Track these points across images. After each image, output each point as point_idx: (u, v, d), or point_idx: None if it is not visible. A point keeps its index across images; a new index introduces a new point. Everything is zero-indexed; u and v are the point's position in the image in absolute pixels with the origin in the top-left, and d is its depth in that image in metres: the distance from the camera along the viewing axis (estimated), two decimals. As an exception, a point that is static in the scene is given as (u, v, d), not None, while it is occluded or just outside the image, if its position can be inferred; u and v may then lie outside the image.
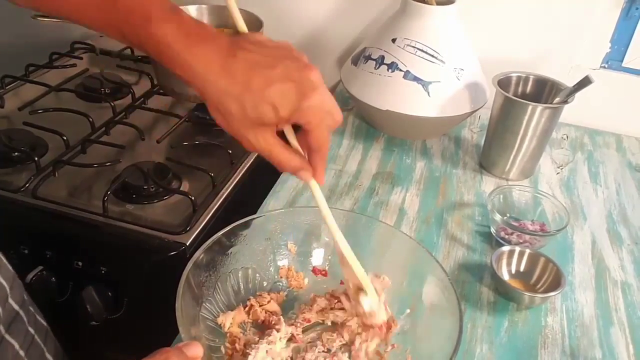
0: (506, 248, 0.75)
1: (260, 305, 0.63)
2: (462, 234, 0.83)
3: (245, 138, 0.50)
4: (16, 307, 0.68)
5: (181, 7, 0.48)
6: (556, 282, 0.71)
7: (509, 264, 0.75)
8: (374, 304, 0.57)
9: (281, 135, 0.53)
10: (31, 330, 0.70)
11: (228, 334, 0.60)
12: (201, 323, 0.58)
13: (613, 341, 0.68)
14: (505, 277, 0.74)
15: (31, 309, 0.72)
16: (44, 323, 0.74)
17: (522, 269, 0.75)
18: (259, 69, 0.47)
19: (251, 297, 0.64)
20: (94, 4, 0.47)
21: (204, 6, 1.15)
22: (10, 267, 0.68)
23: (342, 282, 0.63)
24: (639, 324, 0.71)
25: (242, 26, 0.53)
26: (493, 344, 0.67)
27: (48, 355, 0.72)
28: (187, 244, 0.77)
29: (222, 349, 0.58)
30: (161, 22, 0.46)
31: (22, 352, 0.67)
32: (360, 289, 0.57)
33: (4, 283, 0.65)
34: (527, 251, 0.75)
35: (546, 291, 0.71)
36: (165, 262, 0.77)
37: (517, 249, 0.75)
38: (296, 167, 0.53)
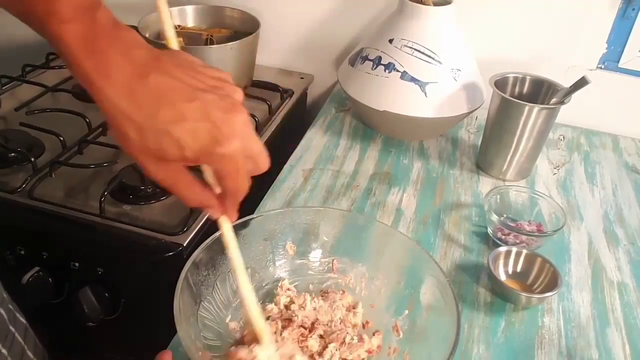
0: (503, 248, 0.76)
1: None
2: (459, 234, 0.83)
3: (145, 167, 0.43)
4: None
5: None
6: (553, 282, 0.71)
7: (505, 265, 0.75)
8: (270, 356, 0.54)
9: None
10: (12, 328, 0.69)
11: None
12: (199, 322, 0.58)
13: (609, 341, 0.68)
14: (502, 277, 0.74)
15: (10, 307, 0.71)
16: (23, 320, 0.73)
17: (518, 269, 0.75)
18: (172, 99, 0.40)
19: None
20: None
21: (200, 6, 1.16)
22: None
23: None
24: (635, 324, 0.71)
25: (172, 38, 0.43)
26: (490, 344, 0.67)
27: (29, 353, 0.71)
28: (184, 245, 0.77)
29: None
30: (65, 22, 0.38)
31: (4, 351, 0.66)
32: (256, 339, 0.54)
33: None
34: (524, 251, 0.75)
35: (543, 291, 0.72)
36: (162, 262, 0.76)
37: (514, 249, 0.76)
38: (203, 204, 0.47)
